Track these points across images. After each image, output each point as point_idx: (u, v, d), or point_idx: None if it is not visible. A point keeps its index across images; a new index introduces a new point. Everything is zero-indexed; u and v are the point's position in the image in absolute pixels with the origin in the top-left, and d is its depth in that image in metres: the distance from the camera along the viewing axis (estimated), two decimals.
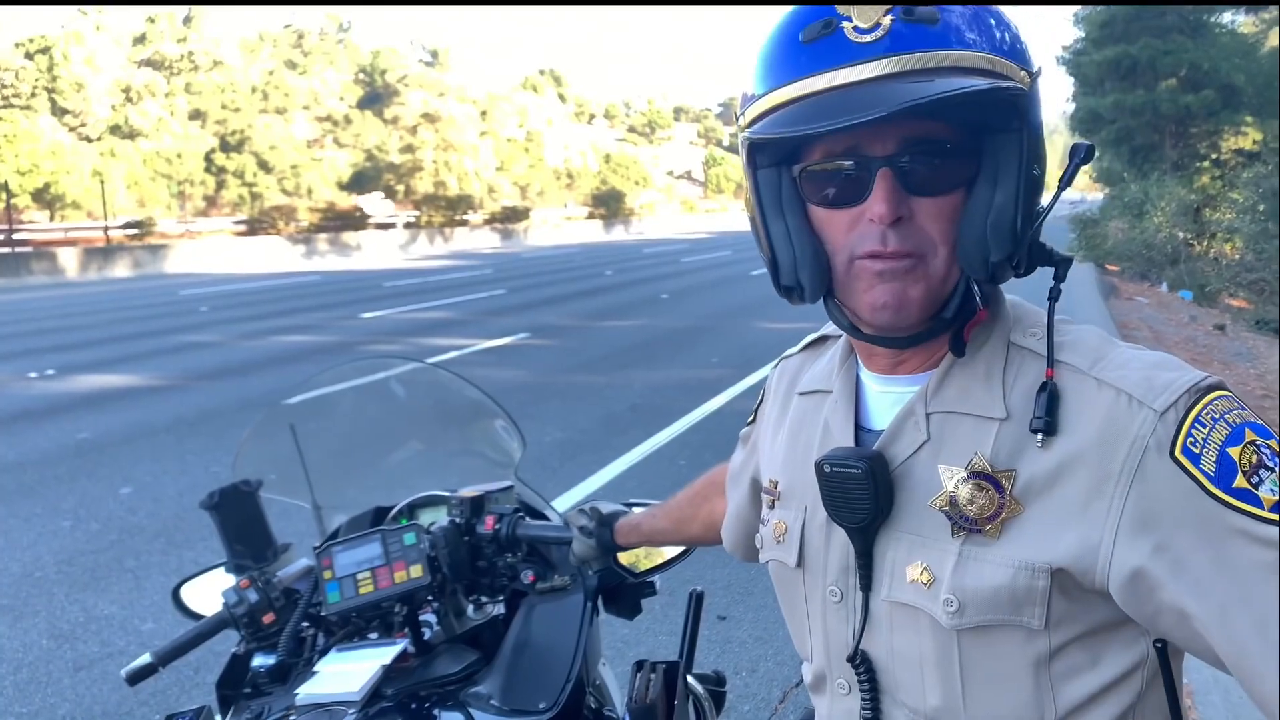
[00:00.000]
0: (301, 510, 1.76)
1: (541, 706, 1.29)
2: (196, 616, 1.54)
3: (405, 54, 58.93)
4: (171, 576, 4.07)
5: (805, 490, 0.94)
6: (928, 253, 0.82)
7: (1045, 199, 0.86)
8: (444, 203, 47.00)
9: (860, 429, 0.93)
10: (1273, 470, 0.74)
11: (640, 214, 59.85)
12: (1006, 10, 0.84)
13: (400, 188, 47.08)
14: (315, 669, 1.35)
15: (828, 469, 0.87)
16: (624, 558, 1.50)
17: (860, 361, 0.95)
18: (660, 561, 1.57)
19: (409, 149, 48.90)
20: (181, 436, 7.01)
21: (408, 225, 42.54)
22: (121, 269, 27.47)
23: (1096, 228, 24.73)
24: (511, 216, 48.52)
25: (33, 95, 39.93)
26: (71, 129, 39.93)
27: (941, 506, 0.84)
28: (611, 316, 14.12)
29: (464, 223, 45.53)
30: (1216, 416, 0.76)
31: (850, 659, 0.90)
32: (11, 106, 38.26)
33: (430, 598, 1.47)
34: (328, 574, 1.41)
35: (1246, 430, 0.76)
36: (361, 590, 1.40)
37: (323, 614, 1.42)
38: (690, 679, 1.60)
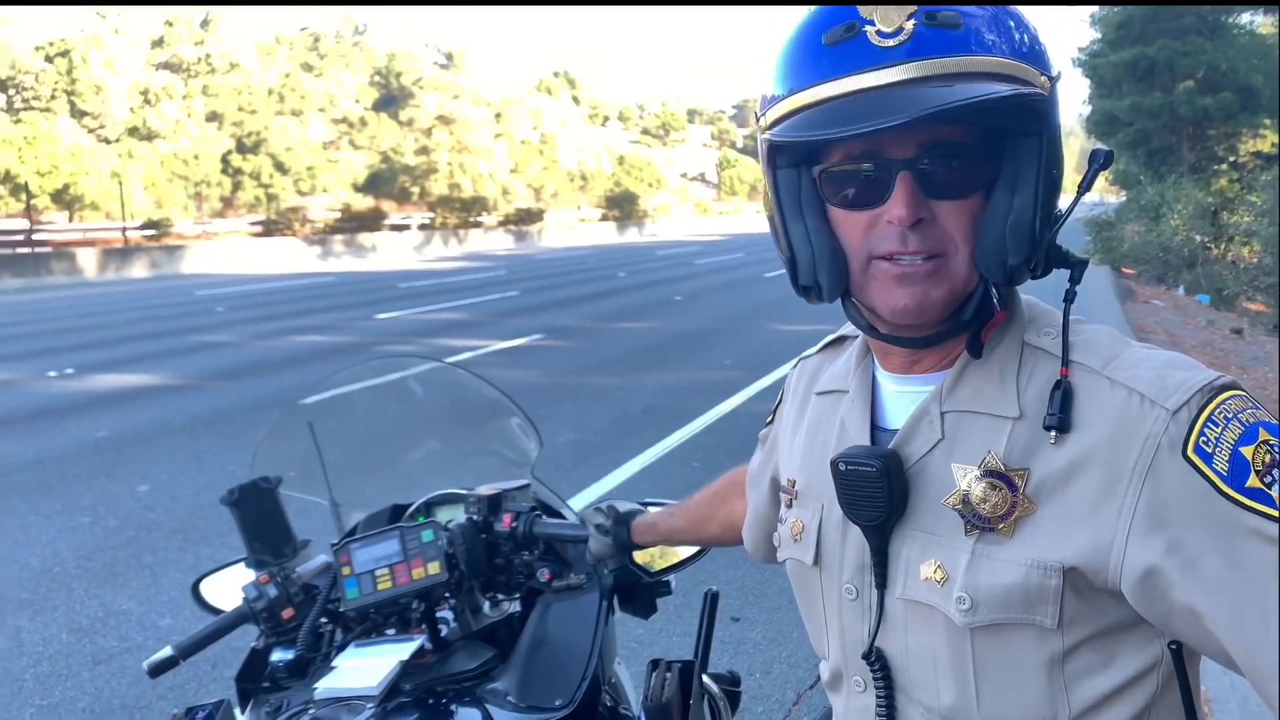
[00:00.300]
0: (319, 507, 1.78)
1: (558, 704, 1.30)
2: (216, 611, 1.55)
3: (420, 56, 59.11)
4: (188, 573, 4.11)
5: (822, 489, 0.95)
6: (949, 253, 0.82)
7: (1062, 202, 0.86)
8: (458, 204, 47.15)
9: (876, 428, 0.93)
10: None
11: (654, 216, 59.80)
12: (1025, 11, 0.84)
13: (415, 190, 47.21)
14: (333, 664, 1.37)
15: (843, 467, 0.88)
16: (639, 557, 1.50)
17: (876, 361, 0.96)
18: (675, 561, 1.58)
19: (424, 151, 49.00)
20: (197, 435, 7.07)
21: (422, 227, 42.71)
22: (139, 269, 27.70)
23: (1113, 230, 24.54)
24: (525, 218, 48.61)
25: (52, 98, 40.23)
26: (90, 131, 40.19)
27: (955, 505, 0.85)
28: (625, 318, 14.11)
29: (478, 224, 45.69)
30: (1230, 416, 0.76)
31: (866, 656, 0.91)
32: (32, 109, 38.58)
33: (447, 594, 1.48)
34: (346, 570, 1.43)
35: (1260, 430, 0.76)
36: (380, 586, 1.42)
37: (341, 610, 1.44)
38: (705, 678, 1.60)
